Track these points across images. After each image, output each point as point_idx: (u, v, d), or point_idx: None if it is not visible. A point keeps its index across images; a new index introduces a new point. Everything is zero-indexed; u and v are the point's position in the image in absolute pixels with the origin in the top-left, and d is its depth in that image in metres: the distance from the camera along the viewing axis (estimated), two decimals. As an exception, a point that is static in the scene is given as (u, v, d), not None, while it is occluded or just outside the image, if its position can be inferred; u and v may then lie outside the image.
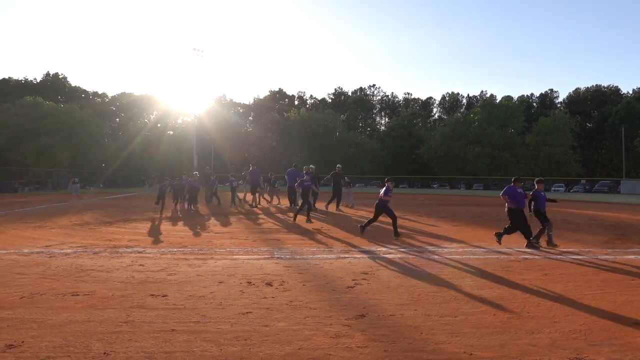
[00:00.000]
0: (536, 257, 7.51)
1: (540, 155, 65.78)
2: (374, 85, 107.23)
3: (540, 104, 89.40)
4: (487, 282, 5.65)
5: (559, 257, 7.53)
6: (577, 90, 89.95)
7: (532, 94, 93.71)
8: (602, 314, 4.34)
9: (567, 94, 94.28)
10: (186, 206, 16.67)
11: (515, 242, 9.07)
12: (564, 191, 53.98)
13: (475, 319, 4.16)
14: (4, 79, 77.93)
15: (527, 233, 8.53)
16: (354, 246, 8.62)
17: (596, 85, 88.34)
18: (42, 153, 51.16)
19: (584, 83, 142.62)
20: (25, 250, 7.96)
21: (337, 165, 17.83)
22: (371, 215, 10.13)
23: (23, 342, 3.53)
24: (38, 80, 79.87)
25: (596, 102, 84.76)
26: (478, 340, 3.61)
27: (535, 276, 6.01)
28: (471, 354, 3.35)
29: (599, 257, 7.59)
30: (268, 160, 71.27)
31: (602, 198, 33.71)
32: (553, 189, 55.96)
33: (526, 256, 7.57)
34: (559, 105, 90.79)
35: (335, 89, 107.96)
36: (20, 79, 79.15)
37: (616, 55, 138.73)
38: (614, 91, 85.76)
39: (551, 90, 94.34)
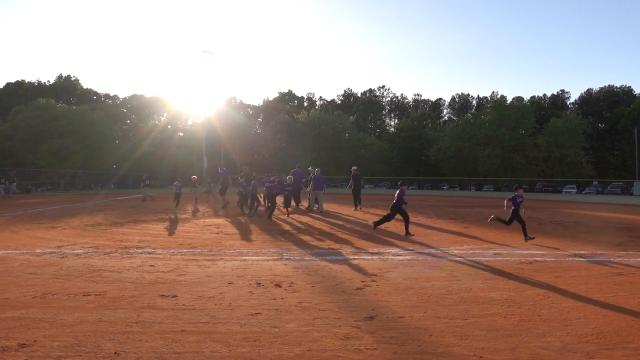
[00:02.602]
0: (547, 259, 7.43)
1: (552, 156, 65.19)
2: (383, 86, 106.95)
3: (552, 105, 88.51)
4: (498, 284, 5.61)
5: (571, 259, 7.45)
6: (589, 90, 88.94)
7: (544, 95, 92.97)
8: (615, 317, 4.28)
9: (579, 94, 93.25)
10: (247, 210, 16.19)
11: (526, 245, 9.01)
12: (576, 193, 53.39)
13: (485, 322, 4.13)
14: (17, 81, 79.08)
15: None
16: (363, 248, 8.61)
17: (608, 85, 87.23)
18: (56, 155, 51.77)
19: (596, 83, 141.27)
20: (38, 251, 8.06)
21: (312, 168, 18.44)
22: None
23: (35, 341, 3.57)
24: (51, 83, 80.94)
25: (608, 102, 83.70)
26: (488, 343, 3.59)
27: (547, 278, 5.95)
28: (481, 357, 3.32)
29: (611, 259, 7.49)
30: (277, 161, 71.46)
31: (614, 200, 33.29)
32: (565, 190, 55.43)
33: (537, 258, 7.50)
34: (570, 106, 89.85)
35: (344, 90, 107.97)
36: (33, 82, 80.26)
37: (629, 55, 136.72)
38: (627, 92, 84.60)
39: (563, 90, 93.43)
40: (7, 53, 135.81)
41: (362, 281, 5.76)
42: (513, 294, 5.16)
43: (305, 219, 14.34)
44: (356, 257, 7.61)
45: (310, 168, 18.51)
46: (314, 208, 16.87)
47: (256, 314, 4.36)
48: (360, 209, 17.87)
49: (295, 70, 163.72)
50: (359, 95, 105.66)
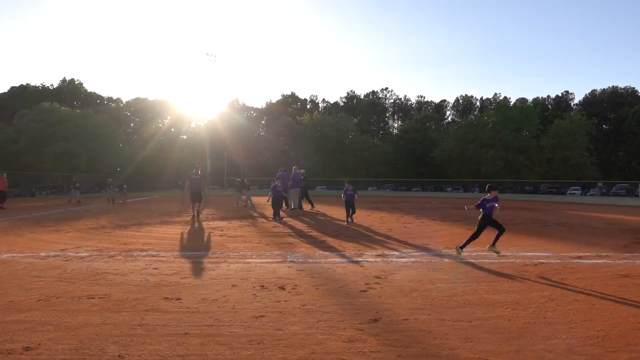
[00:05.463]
0: (552, 261, 7.40)
1: (556, 158, 65.00)
2: (386, 88, 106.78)
3: (556, 106, 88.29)
4: (502, 287, 5.58)
5: (575, 261, 7.41)
6: (593, 91, 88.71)
7: (547, 96, 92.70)
8: (621, 320, 4.25)
9: (583, 95, 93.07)
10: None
11: (530, 247, 8.97)
12: (580, 194, 53.18)
13: (490, 324, 4.11)
14: (21, 85, 79.58)
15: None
16: (366, 250, 8.59)
17: (613, 86, 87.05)
18: (60, 158, 52.03)
19: (600, 84, 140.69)
20: (42, 254, 8.08)
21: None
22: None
23: (40, 344, 3.58)
24: (55, 86, 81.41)
25: (613, 103, 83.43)
26: (493, 346, 3.57)
27: (552, 281, 5.92)
28: (486, 360, 3.31)
29: (616, 261, 7.45)
30: (280, 163, 71.54)
31: (619, 201, 33.15)
32: (569, 191, 55.24)
33: (542, 260, 7.47)
34: (574, 107, 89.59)
35: (347, 93, 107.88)
36: (37, 85, 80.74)
37: (633, 56, 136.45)
38: (631, 93, 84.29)
39: (567, 92, 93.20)
40: (12, 57, 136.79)
41: (366, 283, 5.75)
42: (518, 296, 5.13)
43: (306, 221, 14.33)
44: (360, 259, 7.60)
45: (293, 168, 19.43)
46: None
47: (260, 316, 4.35)
48: (312, 208, 18.89)
49: (298, 73, 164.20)
50: (362, 97, 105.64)
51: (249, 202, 21.98)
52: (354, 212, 13.77)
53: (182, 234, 11.24)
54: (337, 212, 17.63)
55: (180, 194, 26.67)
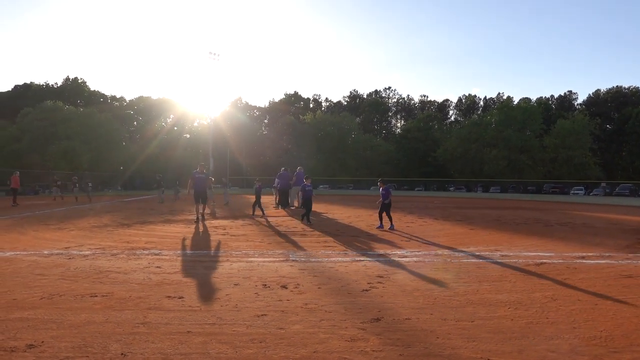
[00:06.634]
0: (555, 261, 7.38)
1: (559, 158, 64.84)
2: (389, 87, 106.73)
3: (559, 106, 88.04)
4: (505, 287, 5.57)
5: (578, 261, 7.39)
6: (596, 91, 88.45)
7: (551, 96, 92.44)
8: (623, 320, 4.24)
9: (586, 95, 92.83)
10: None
11: (533, 247, 8.96)
12: (583, 194, 53.01)
13: (492, 324, 4.10)
14: (25, 83, 79.93)
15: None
16: (369, 249, 8.59)
17: (616, 86, 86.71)
18: (63, 156, 52.21)
19: (604, 84, 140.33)
20: (45, 252, 8.10)
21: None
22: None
23: (43, 342, 3.59)
24: (58, 85, 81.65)
25: (616, 103, 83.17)
26: (495, 346, 3.56)
27: (554, 281, 5.91)
28: (488, 360, 3.30)
29: (619, 261, 7.43)
30: (283, 163, 71.55)
31: (622, 202, 33.04)
32: (572, 191, 55.08)
33: (544, 260, 7.45)
34: (578, 107, 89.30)
35: (350, 92, 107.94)
36: (41, 84, 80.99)
37: (637, 56, 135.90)
38: (635, 92, 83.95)
39: (570, 92, 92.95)
40: (15, 56, 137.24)
41: (368, 283, 5.74)
42: (520, 296, 5.12)
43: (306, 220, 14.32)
44: (362, 258, 7.59)
45: (298, 168, 20.00)
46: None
47: (262, 315, 4.35)
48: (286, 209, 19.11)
49: (301, 72, 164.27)
50: (365, 96, 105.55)
51: (225, 198, 23.85)
52: (381, 214, 12.25)
53: (184, 232, 11.25)
54: (339, 213, 17.63)
55: (157, 192, 27.13)
